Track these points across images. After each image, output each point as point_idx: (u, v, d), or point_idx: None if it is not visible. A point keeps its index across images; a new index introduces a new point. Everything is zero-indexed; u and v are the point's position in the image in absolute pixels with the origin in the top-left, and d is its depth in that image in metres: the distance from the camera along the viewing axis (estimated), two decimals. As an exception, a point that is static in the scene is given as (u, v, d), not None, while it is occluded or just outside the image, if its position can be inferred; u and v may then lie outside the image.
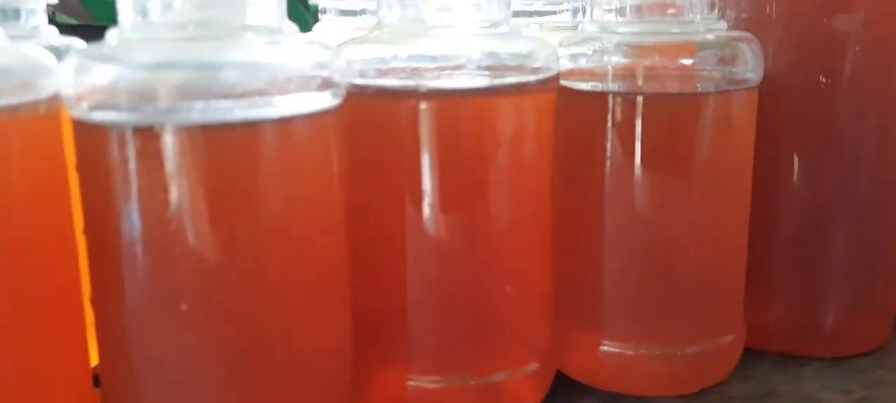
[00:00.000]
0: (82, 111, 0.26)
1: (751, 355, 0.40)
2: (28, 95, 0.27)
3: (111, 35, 0.27)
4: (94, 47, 0.26)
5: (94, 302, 0.28)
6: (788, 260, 0.40)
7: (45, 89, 0.28)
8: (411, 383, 0.33)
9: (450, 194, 0.31)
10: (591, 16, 0.36)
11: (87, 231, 0.27)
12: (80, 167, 0.27)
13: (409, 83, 0.31)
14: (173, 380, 0.27)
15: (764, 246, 0.40)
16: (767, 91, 0.38)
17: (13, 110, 0.27)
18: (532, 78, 0.32)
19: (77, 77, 0.26)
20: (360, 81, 0.31)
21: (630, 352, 0.36)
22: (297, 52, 0.28)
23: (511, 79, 0.32)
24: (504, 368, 0.34)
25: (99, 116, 0.25)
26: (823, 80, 0.37)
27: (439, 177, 0.31)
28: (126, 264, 0.26)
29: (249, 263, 0.26)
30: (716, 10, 0.36)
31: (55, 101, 0.27)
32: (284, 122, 0.27)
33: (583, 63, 0.35)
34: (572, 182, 0.36)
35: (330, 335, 0.30)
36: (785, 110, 0.38)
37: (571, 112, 0.36)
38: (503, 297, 0.33)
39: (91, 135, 0.26)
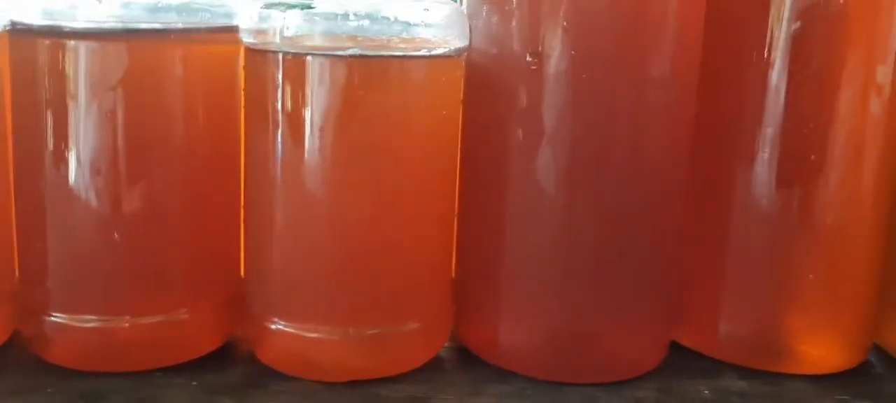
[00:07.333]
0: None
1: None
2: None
3: None
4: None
5: None
6: (521, 261, 0.36)
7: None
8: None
9: (94, 139, 0.32)
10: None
11: None
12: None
13: (56, 23, 0.31)
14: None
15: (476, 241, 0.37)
16: (493, 72, 0.35)
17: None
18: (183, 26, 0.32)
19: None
20: (24, 21, 0.32)
21: (302, 333, 0.34)
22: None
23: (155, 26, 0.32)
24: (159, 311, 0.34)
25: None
26: (530, 60, 0.34)
27: (81, 119, 0.31)
28: None
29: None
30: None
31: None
32: None
33: (262, 22, 0.33)
34: (252, 146, 0.35)
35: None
36: (505, 95, 0.35)
37: (254, 73, 0.35)
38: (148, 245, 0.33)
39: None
